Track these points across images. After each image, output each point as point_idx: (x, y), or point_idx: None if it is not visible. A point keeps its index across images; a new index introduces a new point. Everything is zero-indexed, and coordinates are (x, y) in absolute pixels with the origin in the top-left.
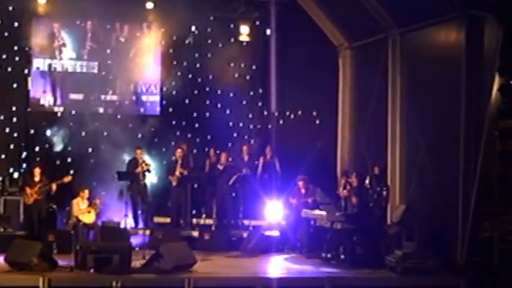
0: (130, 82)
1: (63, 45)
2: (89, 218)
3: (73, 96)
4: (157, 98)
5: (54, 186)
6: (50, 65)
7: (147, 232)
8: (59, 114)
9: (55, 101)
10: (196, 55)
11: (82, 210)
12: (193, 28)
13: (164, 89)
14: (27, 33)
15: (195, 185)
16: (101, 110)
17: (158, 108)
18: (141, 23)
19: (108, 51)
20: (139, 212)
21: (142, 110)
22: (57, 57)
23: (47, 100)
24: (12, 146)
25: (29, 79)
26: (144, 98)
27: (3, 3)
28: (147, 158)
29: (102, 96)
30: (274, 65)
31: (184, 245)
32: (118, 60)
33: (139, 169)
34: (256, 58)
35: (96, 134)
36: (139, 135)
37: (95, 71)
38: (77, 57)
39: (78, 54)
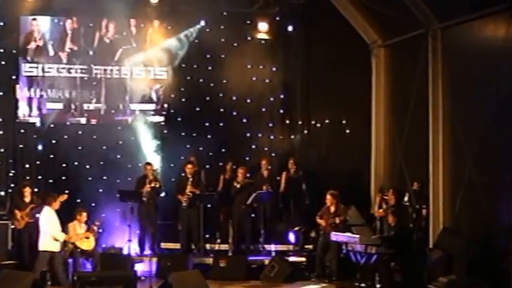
0: (117, 88)
1: (40, 47)
2: (87, 244)
3: (51, 105)
4: (151, 106)
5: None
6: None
7: (154, 259)
8: (37, 124)
9: (31, 111)
10: (208, 56)
11: (79, 235)
12: (202, 23)
13: (172, 95)
14: (13, 33)
15: (209, 205)
16: (83, 121)
17: (150, 118)
18: (142, 19)
19: (91, 53)
20: (145, 236)
21: (129, 119)
22: (33, 60)
23: (21, 110)
24: None
25: (17, 86)
26: (132, 106)
27: None
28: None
29: (85, 105)
30: (297, 67)
31: (197, 274)
32: (102, 64)
33: (146, 187)
34: (276, 59)
35: (95, 148)
36: (144, 149)
37: (76, 76)
38: (54, 61)
39: (56, 57)
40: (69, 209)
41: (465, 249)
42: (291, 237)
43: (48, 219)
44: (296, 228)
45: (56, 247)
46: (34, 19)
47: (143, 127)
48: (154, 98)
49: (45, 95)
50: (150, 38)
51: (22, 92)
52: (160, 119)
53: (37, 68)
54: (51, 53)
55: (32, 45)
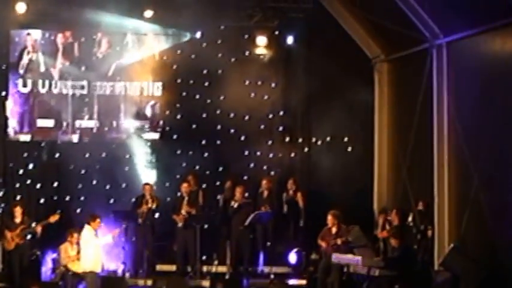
0: (111, 105)
1: (32, 62)
2: (79, 266)
3: (41, 122)
4: (145, 123)
5: (39, 228)
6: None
7: (149, 282)
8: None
9: (21, 128)
10: (205, 71)
11: (71, 257)
12: (198, 35)
13: (167, 112)
14: (3, 48)
15: (205, 226)
16: (75, 139)
17: (145, 136)
18: (136, 34)
19: (83, 68)
20: (140, 257)
21: (124, 136)
22: (24, 76)
23: (11, 127)
24: None
25: (7, 103)
26: (126, 123)
27: None
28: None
29: (77, 122)
30: (297, 83)
31: None
32: (95, 79)
33: (142, 208)
34: (275, 74)
35: (88, 167)
36: (138, 167)
37: (68, 92)
38: (46, 76)
39: (48, 72)
40: (61, 230)
41: (475, 272)
42: (292, 259)
43: (86, 241)
44: (294, 250)
45: (96, 267)
46: (28, 34)
47: (138, 145)
48: (148, 114)
49: (36, 112)
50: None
51: (12, 109)
52: (155, 136)
53: (28, 83)
54: (43, 68)
55: (25, 60)
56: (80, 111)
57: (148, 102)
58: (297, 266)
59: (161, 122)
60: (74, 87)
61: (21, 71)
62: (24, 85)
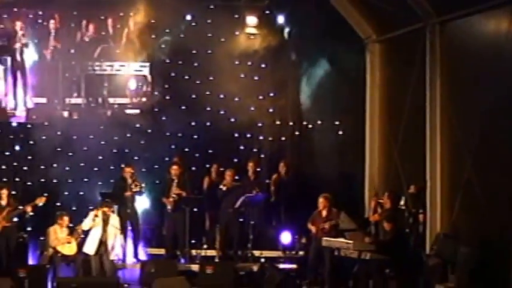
0: (98, 85)
1: (25, 45)
2: (69, 249)
3: (36, 100)
4: (132, 105)
5: (29, 209)
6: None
7: (138, 266)
8: (22, 120)
9: (16, 106)
10: (194, 51)
11: (61, 239)
12: (188, 17)
13: (155, 92)
14: None
15: (195, 209)
16: (66, 114)
17: (128, 111)
18: (121, 14)
19: (72, 51)
20: (128, 241)
21: (109, 113)
22: (18, 58)
23: (8, 104)
24: None
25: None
26: (111, 100)
27: None
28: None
29: (67, 99)
30: (287, 63)
31: (182, 281)
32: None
33: (128, 192)
34: (266, 55)
35: (75, 148)
36: (127, 150)
37: (59, 72)
38: (39, 58)
39: (41, 55)
40: (48, 213)
41: (469, 258)
42: (284, 239)
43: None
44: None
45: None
46: (18, 19)
47: (125, 127)
48: (136, 95)
49: (29, 90)
50: (128, 35)
51: (7, 86)
52: (144, 117)
53: (20, 65)
54: (35, 51)
55: (17, 45)
56: (69, 89)
57: (137, 82)
58: (289, 247)
59: (149, 103)
60: (64, 68)
61: (15, 55)
62: (16, 67)
